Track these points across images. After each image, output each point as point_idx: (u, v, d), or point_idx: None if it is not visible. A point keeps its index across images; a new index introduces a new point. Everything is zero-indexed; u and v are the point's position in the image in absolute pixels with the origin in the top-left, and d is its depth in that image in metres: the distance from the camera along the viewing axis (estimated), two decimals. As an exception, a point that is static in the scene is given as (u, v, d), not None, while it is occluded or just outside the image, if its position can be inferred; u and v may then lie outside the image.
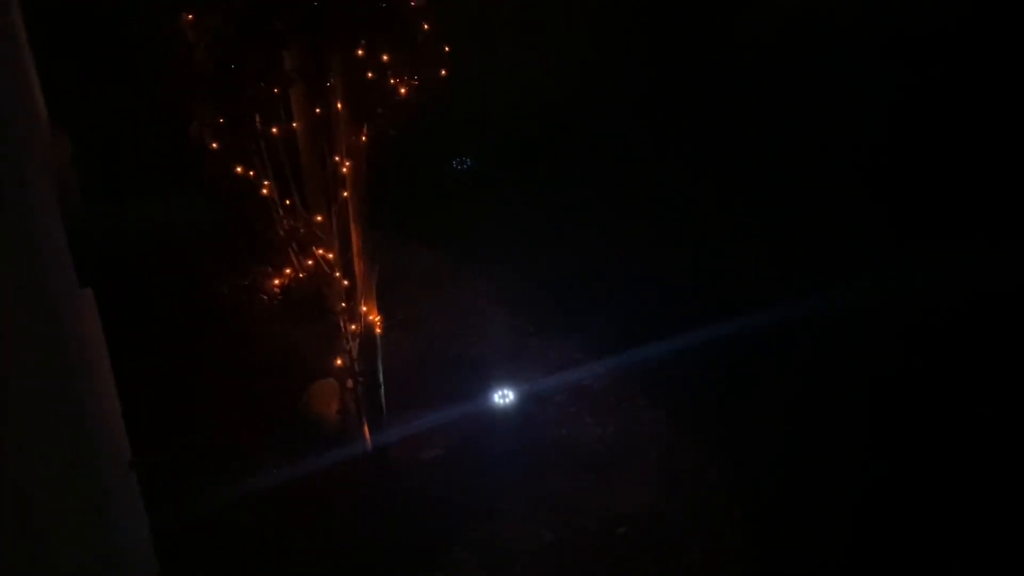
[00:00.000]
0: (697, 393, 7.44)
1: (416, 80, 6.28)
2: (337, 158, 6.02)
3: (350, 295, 6.30)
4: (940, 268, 7.91)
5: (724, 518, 6.46)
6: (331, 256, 6.26)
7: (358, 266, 6.30)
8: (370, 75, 6.02)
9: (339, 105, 5.96)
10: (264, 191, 6.33)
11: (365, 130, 6.11)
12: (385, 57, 6.05)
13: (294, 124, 6.68)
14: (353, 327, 6.33)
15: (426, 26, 6.30)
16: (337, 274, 6.27)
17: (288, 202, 6.48)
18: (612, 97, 10.27)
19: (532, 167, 9.70)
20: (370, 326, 6.45)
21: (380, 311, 6.63)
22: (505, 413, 7.38)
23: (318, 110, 6.08)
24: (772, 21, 10.46)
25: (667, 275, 8.34)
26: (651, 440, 7.13)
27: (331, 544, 6.46)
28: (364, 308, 6.38)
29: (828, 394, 7.22)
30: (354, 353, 6.39)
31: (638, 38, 10.40)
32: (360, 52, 5.94)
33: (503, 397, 7.36)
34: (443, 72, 6.35)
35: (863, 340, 7.57)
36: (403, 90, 6.19)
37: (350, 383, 6.64)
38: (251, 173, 6.25)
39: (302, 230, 6.47)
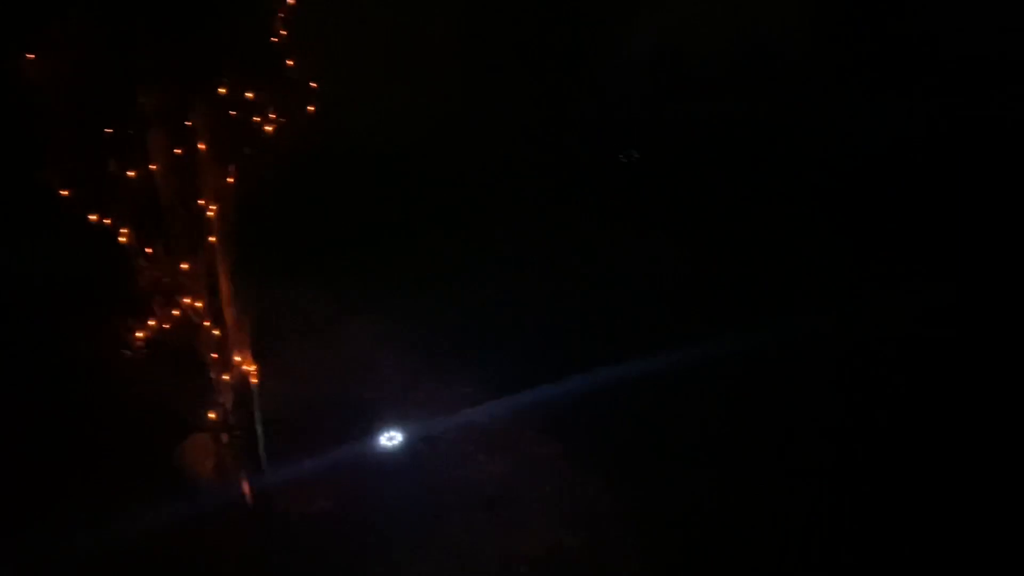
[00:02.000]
0: (591, 429, 7.38)
1: (283, 118, 6.09)
2: (202, 201, 5.74)
3: (221, 345, 5.99)
4: (862, 308, 8.01)
5: (623, 547, 6.38)
6: (199, 305, 5.95)
7: (228, 314, 6.01)
8: (233, 113, 5.80)
9: (201, 146, 5.70)
10: (122, 239, 5.97)
11: (232, 171, 5.86)
12: (249, 95, 5.84)
13: (152, 167, 6.35)
14: (226, 378, 6.00)
15: (290, 63, 6.13)
16: (206, 323, 5.95)
17: (150, 250, 6.13)
18: (493, 136, 10.22)
19: (421, 210, 9.52)
20: (244, 376, 6.14)
21: (257, 359, 6.31)
22: (395, 456, 7.13)
23: (178, 151, 5.80)
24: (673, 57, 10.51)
25: (562, 316, 8.27)
26: (547, 476, 7.01)
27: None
28: (237, 357, 6.07)
29: (723, 426, 7.26)
30: (228, 405, 6.06)
31: (512, 73, 10.44)
32: (222, 90, 5.72)
33: (391, 440, 7.11)
34: (310, 109, 6.19)
35: (761, 377, 7.64)
36: (269, 128, 5.99)
37: (225, 437, 6.28)
38: (107, 220, 5.89)
39: (166, 279, 6.13)
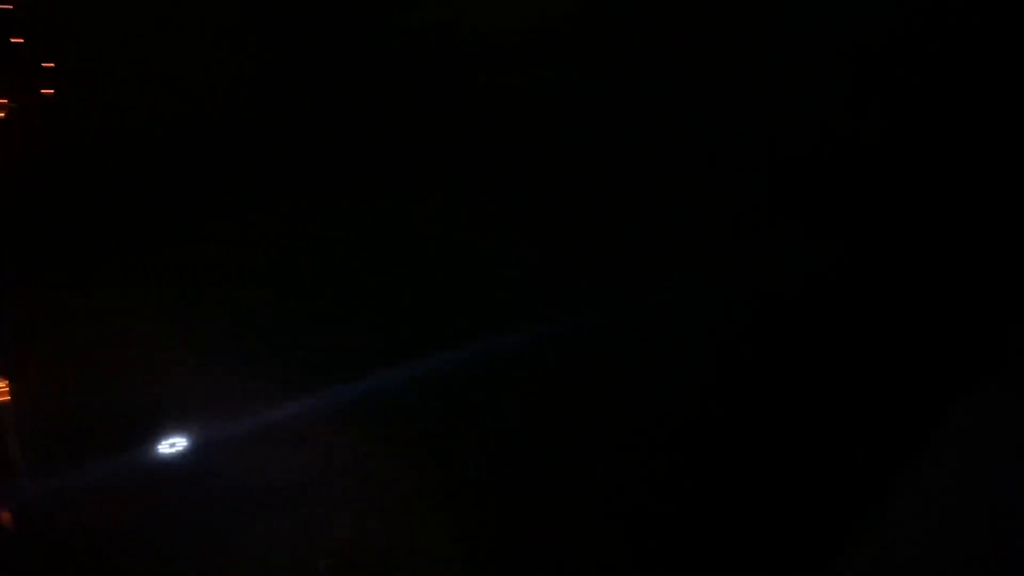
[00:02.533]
0: (393, 420, 7.14)
1: (14, 102, 5.45)
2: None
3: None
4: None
5: (427, 528, 6.24)
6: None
7: (-34, 324, 5.34)
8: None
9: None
10: None
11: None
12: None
13: None
14: (-31, 398, 5.35)
15: (18, 39, 5.49)
16: (-62, 337, 5.26)
17: None
18: (270, 117, 9.70)
19: (181, 196, 8.90)
20: (-8, 393, 5.50)
21: (13, 370, 5.72)
22: (181, 463, 6.65)
23: None
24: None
25: (354, 306, 7.94)
26: (346, 468, 6.74)
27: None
28: (-19, 373, 5.42)
29: (528, 410, 7.16)
30: (-25, 427, 5.41)
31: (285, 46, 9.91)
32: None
33: (173, 446, 6.63)
34: (44, 91, 5.56)
35: (570, 365, 7.58)
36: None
37: (-26, 463, 5.63)
38: None
39: None
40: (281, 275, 8.12)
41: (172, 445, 6.53)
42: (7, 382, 5.57)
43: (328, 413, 7.16)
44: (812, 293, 7.42)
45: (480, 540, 6.14)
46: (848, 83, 8.51)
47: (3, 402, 5.55)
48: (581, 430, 6.91)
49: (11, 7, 5.34)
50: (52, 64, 5.59)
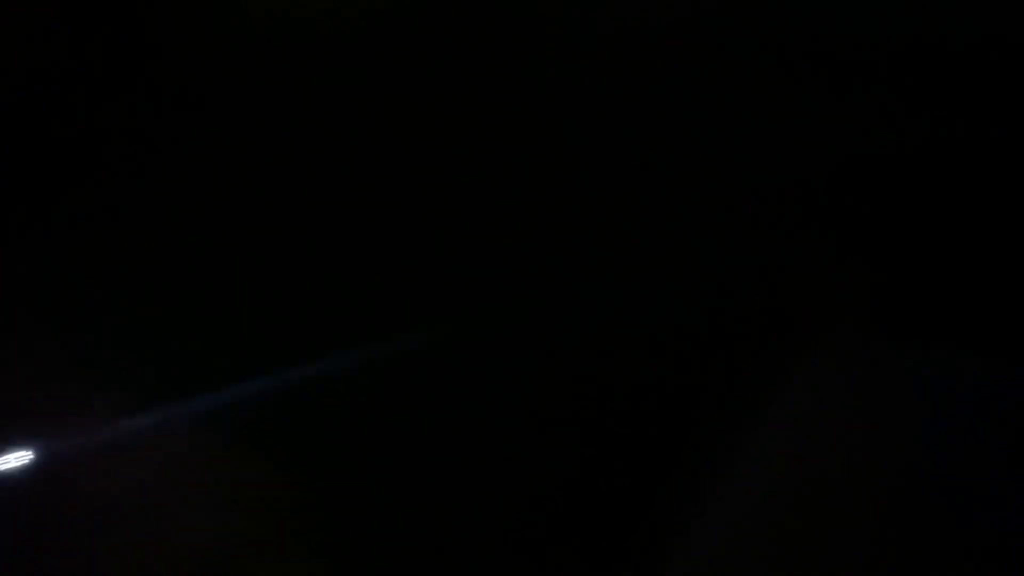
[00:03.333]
0: (263, 427, 6.80)
1: None
2: None
3: None
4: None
5: (287, 528, 5.96)
6: None
7: None
8: None
9: None
10: None
11: None
12: None
13: None
14: None
15: None
16: None
17: None
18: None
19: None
20: None
21: None
22: (19, 479, 6.10)
23: None
24: None
25: (241, 314, 7.51)
26: (208, 474, 6.37)
27: None
28: None
29: (408, 416, 7.04)
30: None
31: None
32: None
33: (21, 459, 6.09)
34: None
35: (461, 369, 7.48)
36: None
37: None
38: None
39: None
40: (140, 270, 7.63)
41: (20, 458, 6.00)
42: None
43: (185, 422, 6.78)
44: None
45: (335, 544, 5.95)
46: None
47: None
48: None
49: None
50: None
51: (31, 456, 5.21)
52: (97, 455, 5.62)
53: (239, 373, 6.40)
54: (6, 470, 5.28)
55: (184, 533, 5.33)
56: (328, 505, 5.89)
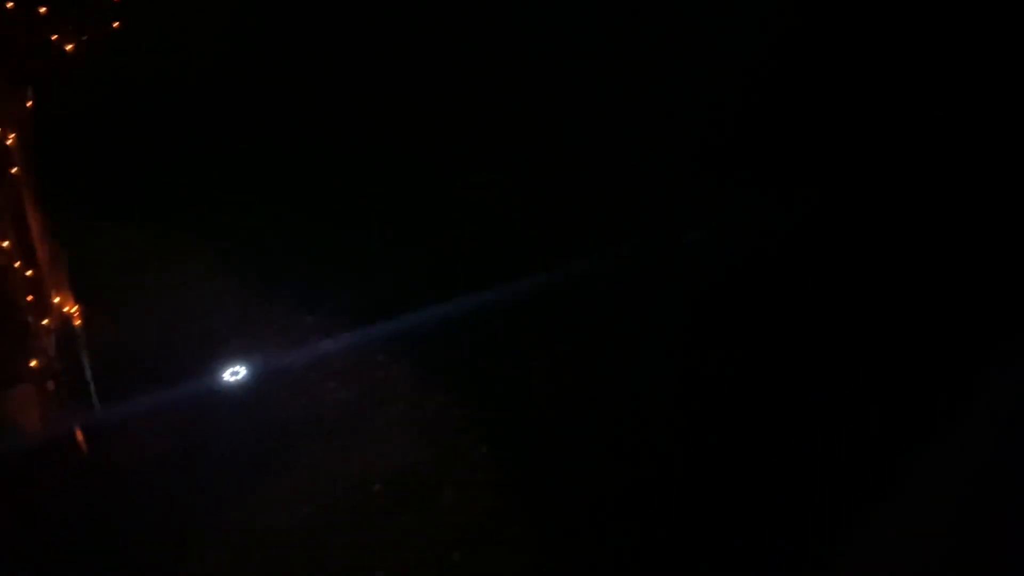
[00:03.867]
0: (441, 354, 7.28)
1: (84, 36, 5.55)
2: None
3: (36, 286, 5.53)
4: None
5: (471, 457, 6.43)
6: (5, 244, 5.45)
7: (42, 252, 5.54)
8: (26, 31, 5.24)
9: (-8, 67, 5.15)
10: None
11: (30, 94, 5.33)
12: (42, 9, 5.28)
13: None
14: (45, 322, 5.56)
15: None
16: (17, 264, 5.46)
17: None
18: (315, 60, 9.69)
19: (248, 127, 8.98)
20: (67, 319, 5.71)
21: (81, 299, 5.89)
22: (238, 392, 6.87)
23: (-34, 75, 5.21)
24: None
25: (403, 244, 8.02)
26: (395, 399, 6.92)
27: (54, 562, 5.75)
28: (57, 299, 5.63)
29: (571, 352, 7.27)
30: (51, 351, 5.64)
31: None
32: (9, 4, 5.14)
33: (235, 375, 6.84)
34: (115, 25, 5.66)
35: (597, 310, 7.63)
36: (69, 46, 5.45)
37: (51, 385, 5.87)
38: None
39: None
40: (335, 219, 8.22)
41: (235, 374, 6.74)
42: (80, 307, 5.78)
43: (373, 347, 7.33)
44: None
45: (510, 471, 6.31)
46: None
47: (78, 327, 5.76)
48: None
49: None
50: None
51: (243, 372, 5.92)
52: (305, 373, 6.31)
53: (438, 297, 7.00)
54: (221, 385, 6.10)
55: (377, 452, 5.89)
56: (513, 440, 6.37)
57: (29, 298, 5.55)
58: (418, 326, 7.31)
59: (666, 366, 7.01)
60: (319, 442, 6.61)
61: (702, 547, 6.04)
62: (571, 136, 8.46)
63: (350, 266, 7.82)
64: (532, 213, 8.44)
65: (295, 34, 9.33)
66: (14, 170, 5.32)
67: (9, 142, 5.25)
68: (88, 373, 6.00)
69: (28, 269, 5.51)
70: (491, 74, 8.81)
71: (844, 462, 6.23)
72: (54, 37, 5.38)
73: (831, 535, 5.95)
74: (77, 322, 5.85)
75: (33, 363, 5.93)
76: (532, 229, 8.30)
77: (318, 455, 6.53)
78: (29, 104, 5.32)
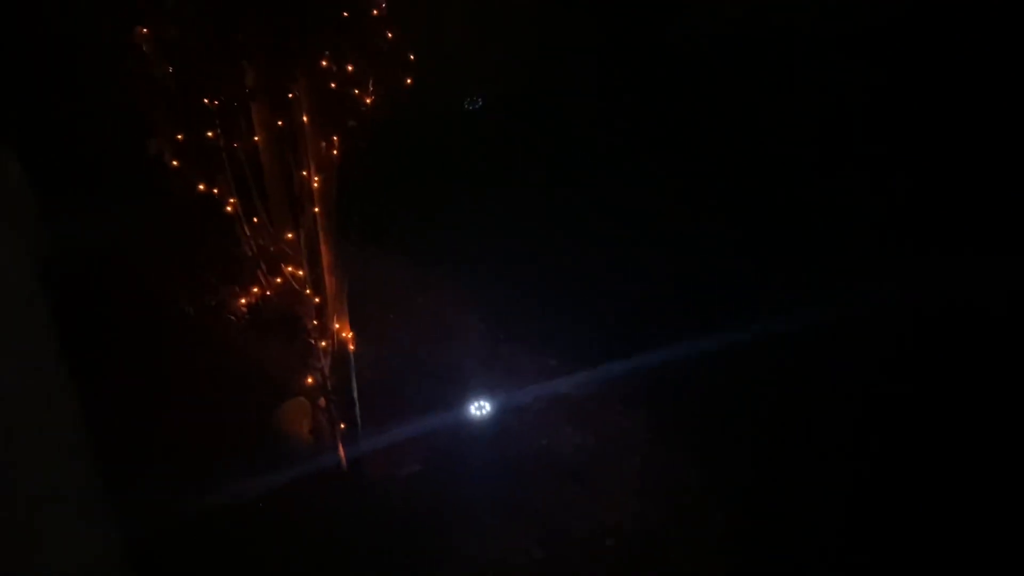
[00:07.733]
0: (677, 401, 7.37)
1: (381, 89, 6.13)
2: (305, 172, 5.86)
3: (321, 312, 6.14)
4: (925, 280, 7.89)
5: (707, 521, 6.43)
6: (301, 273, 6.10)
7: (328, 282, 6.15)
8: (334, 86, 5.86)
9: (304, 118, 5.80)
10: (229, 208, 6.16)
11: (335, 142, 5.95)
12: (350, 67, 5.90)
13: (256, 138, 6.48)
14: (324, 344, 6.17)
15: (390, 34, 6.15)
16: (308, 291, 6.11)
17: (256, 219, 6.31)
18: (574, 99, 10.18)
19: (500, 170, 9.56)
20: (343, 343, 6.30)
21: (351, 326, 6.47)
22: (483, 424, 7.27)
23: (281, 123, 5.91)
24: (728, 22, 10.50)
25: (647, 282, 8.25)
26: (632, 448, 7.05)
27: (307, 562, 6.31)
28: (336, 325, 6.22)
29: (807, 401, 7.19)
30: (326, 371, 6.24)
31: (589, 39, 10.35)
32: (324, 63, 5.78)
33: (480, 408, 7.24)
34: (408, 80, 6.21)
35: (841, 350, 7.53)
36: (368, 99, 6.04)
37: (322, 401, 6.49)
38: (215, 190, 6.08)
39: (270, 247, 6.31)
40: (571, 261, 8.51)
41: (480, 408, 7.14)
42: (353, 334, 6.34)
43: (615, 393, 7.50)
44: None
45: (748, 543, 6.24)
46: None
47: (351, 351, 6.33)
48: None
49: (384, 7, 6.02)
50: (413, 57, 6.23)
51: (488, 406, 6.45)
52: (545, 414, 6.78)
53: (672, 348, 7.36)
54: (467, 417, 6.66)
55: (611, 504, 6.25)
56: (754, 507, 6.49)
57: (314, 322, 6.17)
58: (664, 373, 7.41)
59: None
60: (553, 487, 6.84)
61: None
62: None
63: (601, 308, 8.04)
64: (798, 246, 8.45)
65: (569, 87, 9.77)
66: (315, 209, 5.96)
67: (315, 184, 5.90)
68: (355, 394, 6.56)
69: (316, 297, 6.14)
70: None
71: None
72: (357, 91, 6.00)
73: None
74: (351, 347, 6.43)
75: (309, 380, 6.56)
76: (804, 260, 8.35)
77: (551, 500, 6.75)
78: (335, 152, 5.95)
